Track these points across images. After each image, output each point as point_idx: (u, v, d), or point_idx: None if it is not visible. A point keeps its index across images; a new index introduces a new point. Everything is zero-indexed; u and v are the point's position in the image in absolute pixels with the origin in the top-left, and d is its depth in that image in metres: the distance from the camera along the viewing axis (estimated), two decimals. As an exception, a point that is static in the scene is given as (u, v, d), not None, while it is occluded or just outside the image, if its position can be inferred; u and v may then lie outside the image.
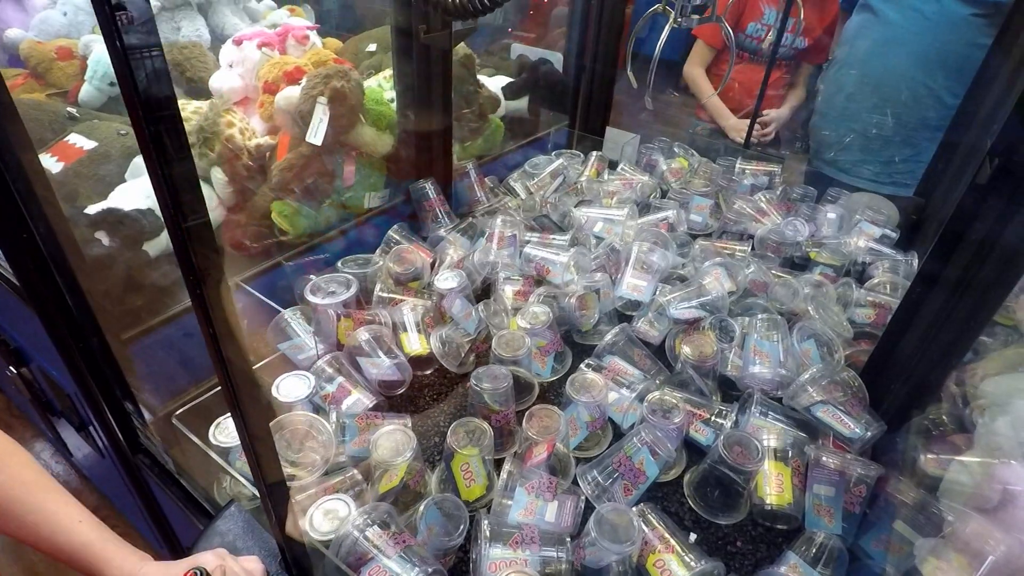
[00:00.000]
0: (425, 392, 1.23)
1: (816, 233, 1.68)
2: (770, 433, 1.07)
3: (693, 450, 1.12)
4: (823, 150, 2.17)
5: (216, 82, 1.48)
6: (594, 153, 1.93)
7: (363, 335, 1.18)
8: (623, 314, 1.43)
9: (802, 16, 2.07)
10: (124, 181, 1.35)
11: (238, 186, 1.39)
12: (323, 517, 0.91)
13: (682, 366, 1.20)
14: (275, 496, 0.74)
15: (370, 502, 0.96)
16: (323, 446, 1.01)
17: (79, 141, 1.35)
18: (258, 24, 1.86)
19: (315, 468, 0.98)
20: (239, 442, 0.85)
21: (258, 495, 0.84)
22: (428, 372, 1.27)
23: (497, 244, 1.46)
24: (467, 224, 1.58)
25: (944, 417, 1.06)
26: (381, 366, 1.17)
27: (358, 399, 1.13)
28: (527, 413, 1.06)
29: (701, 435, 1.11)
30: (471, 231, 1.58)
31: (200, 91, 1.56)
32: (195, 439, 1.00)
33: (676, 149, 2.03)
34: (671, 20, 0.87)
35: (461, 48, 1.66)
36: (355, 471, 1.00)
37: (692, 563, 0.88)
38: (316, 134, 1.35)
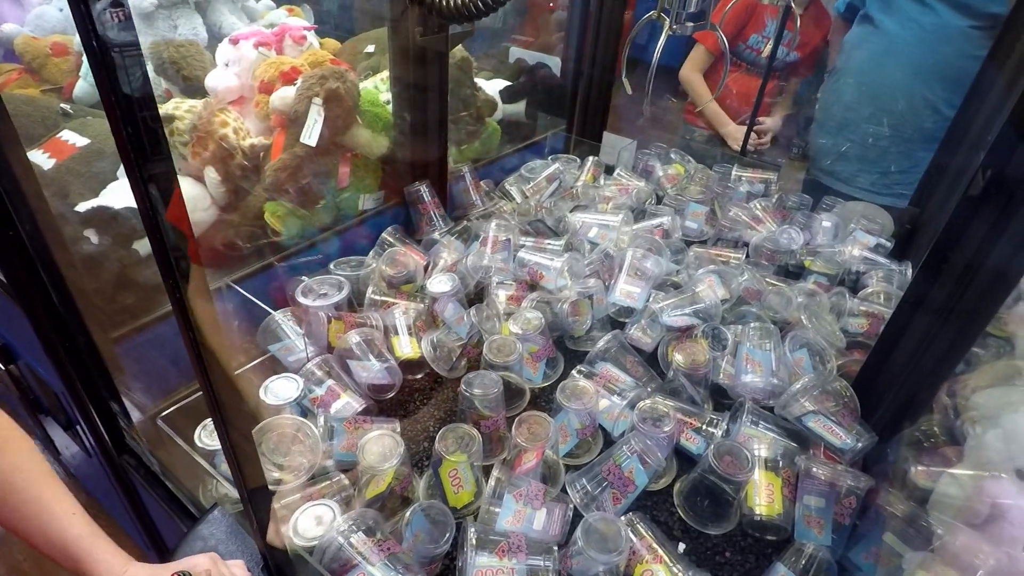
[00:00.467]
0: (415, 396, 1.22)
1: (811, 241, 1.68)
2: (761, 443, 1.06)
3: (684, 459, 1.11)
4: (821, 159, 2.17)
5: (212, 81, 1.48)
6: (591, 158, 1.92)
7: (354, 338, 1.17)
8: (616, 320, 1.43)
9: (798, 27, 2.08)
10: (116, 179, 1.34)
11: (231, 186, 1.38)
12: (308, 523, 0.90)
13: (674, 374, 1.20)
14: (257, 501, 0.73)
15: (357, 507, 0.95)
16: (310, 450, 1.00)
17: (72, 138, 1.34)
18: (256, 23, 1.85)
19: (301, 472, 0.97)
20: (224, 445, 0.84)
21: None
22: (419, 376, 1.27)
23: (491, 248, 1.45)
24: (462, 227, 1.58)
25: (936, 429, 1.06)
26: (371, 369, 1.17)
27: (347, 403, 1.12)
28: (517, 419, 1.06)
29: (692, 444, 1.11)
30: (466, 235, 1.57)
31: (196, 90, 1.55)
32: (180, 441, 0.99)
33: (673, 155, 2.03)
34: (666, 27, 0.86)
35: (458, 51, 1.66)
36: (342, 476, 1.00)
37: (680, 574, 0.87)
38: (311, 135, 1.34)
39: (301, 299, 1.23)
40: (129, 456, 1.21)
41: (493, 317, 1.32)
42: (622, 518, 0.93)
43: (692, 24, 0.87)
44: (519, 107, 2.02)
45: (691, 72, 2.29)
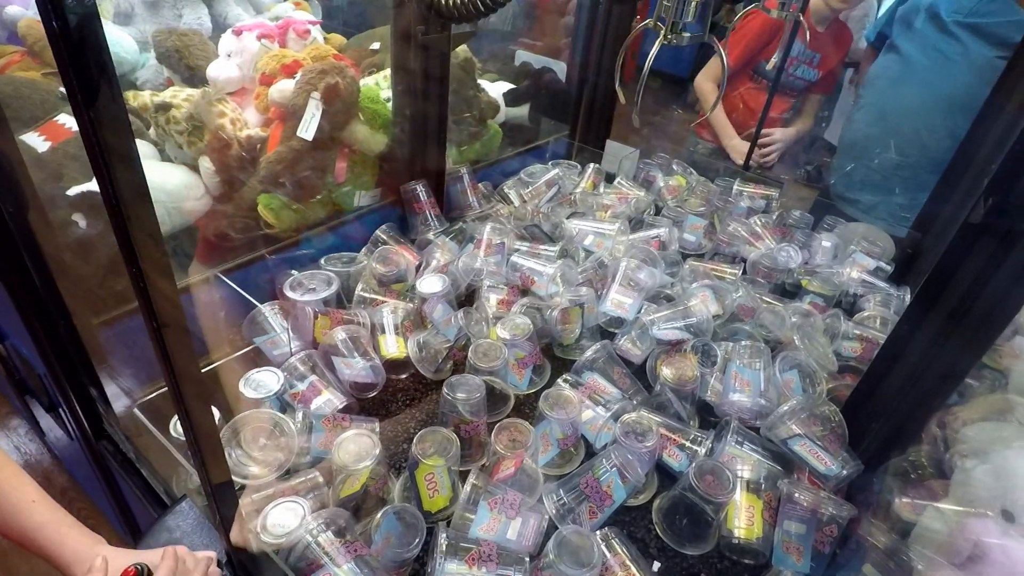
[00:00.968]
0: (398, 396, 1.21)
1: (809, 261, 1.65)
2: (744, 463, 1.04)
3: (665, 475, 1.09)
4: (838, 185, 2.14)
5: (213, 71, 1.47)
6: (591, 165, 1.91)
7: (340, 334, 1.16)
8: (606, 330, 1.41)
9: (807, 39, 2.05)
10: (112, 163, 1.34)
11: (226, 176, 1.37)
12: (277, 519, 0.89)
13: (661, 388, 1.18)
14: (222, 498, 0.72)
15: (330, 506, 0.94)
16: (285, 446, 0.98)
17: (68, 121, 1.34)
18: (262, 15, 1.85)
19: (275, 468, 0.95)
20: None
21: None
22: (403, 376, 1.25)
23: (484, 251, 1.44)
24: (457, 229, 1.57)
25: (923, 460, 1.04)
26: (355, 367, 1.15)
27: (328, 399, 1.11)
28: (498, 426, 1.04)
29: (675, 460, 1.09)
30: (460, 236, 1.56)
31: (199, 79, 1.54)
32: (154, 430, 0.98)
33: (675, 167, 2.01)
34: (660, 36, 0.85)
35: (462, 51, 1.65)
36: (316, 473, 0.98)
37: (651, 594, 0.85)
38: (307, 129, 1.34)
39: (289, 293, 1.22)
40: (107, 442, 1.20)
41: (482, 320, 1.31)
42: (597, 533, 0.91)
43: (689, 35, 0.85)
44: (522, 110, 2.01)
45: (705, 81, 2.27)
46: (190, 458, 0.98)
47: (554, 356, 1.34)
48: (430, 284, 1.32)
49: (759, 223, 1.70)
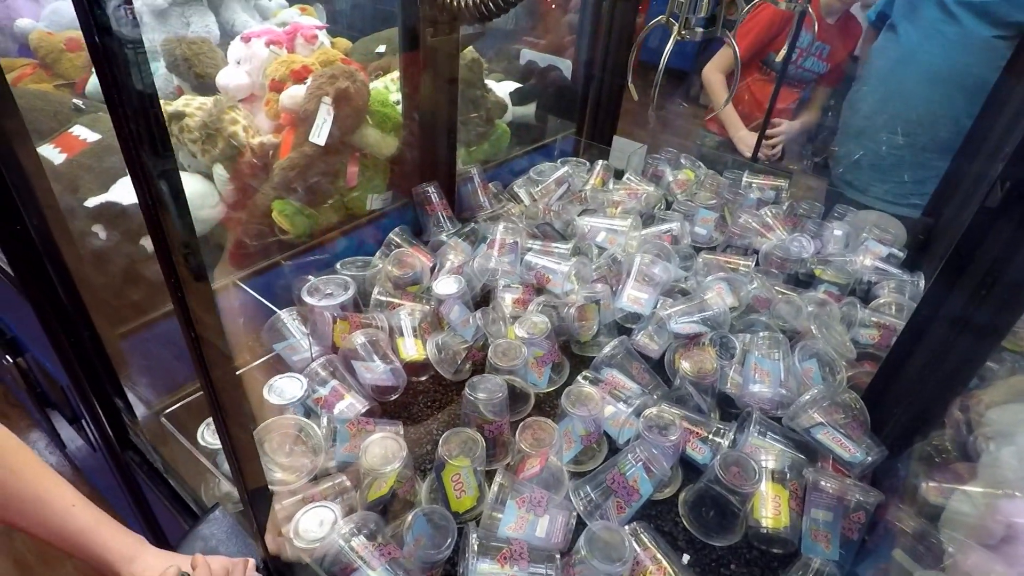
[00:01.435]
0: (419, 399, 1.22)
1: (822, 250, 1.66)
2: (768, 454, 1.04)
3: (689, 468, 1.10)
4: (838, 167, 2.15)
5: (223, 79, 1.48)
6: (600, 162, 1.91)
7: (359, 339, 1.17)
8: (623, 326, 1.41)
9: (815, 31, 2.06)
10: (126, 175, 1.35)
11: (240, 183, 1.38)
12: (309, 525, 0.89)
13: (681, 381, 1.18)
14: (257, 503, 0.72)
15: (358, 510, 0.95)
16: (312, 451, 0.99)
17: (83, 133, 1.34)
18: (268, 22, 1.86)
19: (303, 474, 0.96)
20: (226, 445, 0.84)
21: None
22: (423, 378, 1.26)
23: (498, 251, 1.44)
24: (469, 229, 1.57)
25: (947, 444, 1.04)
26: (376, 371, 1.16)
27: (351, 403, 1.12)
28: (521, 425, 1.05)
29: (698, 453, 1.09)
30: (473, 237, 1.56)
31: (208, 87, 1.55)
32: (182, 439, 0.98)
33: (683, 161, 2.01)
34: (675, 33, 0.85)
35: (469, 52, 1.65)
36: (344, 478, 0.99)
37: (684, 586, 0.86)
38: (320, 134, 1.34)
39: (307, 298, 1.23)
40: (133, 452, 1.21)
41: (499, 320, 1.31)
42: (626, 527, 0.92)
43: (702, 30, 0.85)
44: (529, 109, 2.02)
45: (713, 72, 2.26)
46: (219, 465, 0.99)
47: (572, 353, 1.34)
48: (446, 286, 1.32)
49: (770, 214, 1.70)
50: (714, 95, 2.27)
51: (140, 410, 1.23)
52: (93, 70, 1.63)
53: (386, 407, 1.18)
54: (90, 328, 1.08)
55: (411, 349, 1.24)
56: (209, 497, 1.05)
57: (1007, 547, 0.76)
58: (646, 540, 0.91)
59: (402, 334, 1.26)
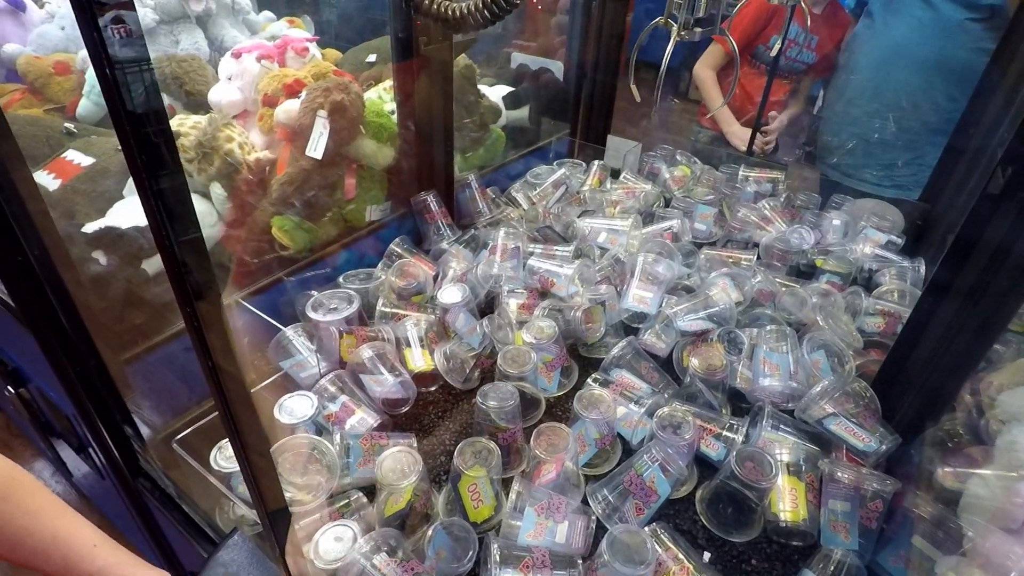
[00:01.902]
0: (430, 410, 1.21)
1: (821, 240, 1.66)
2: (783, 447, 1.05)
3: (704, 465, 1.10)
4: (827, 155, 2.17)
5: (215, 95, 1.47)
6: (596, 162, 1.91)
7: (366, 352, 1.16)
8: (629, 326, 1.41)
9: (808, 24, 2.07)
10: (123, 198, 1.33)
11: (238, 201, 1.37)
12: (328, 544, 0.89)
13: (691, 379, 1.18)
14: (278, 524, 0.72)
15: (376, 526, 0.94)
16: (327, 469, 0.98)
17: (76, 157, 1.33)
18: (257, 36, 1.85)
19: (319, 493, 0.95)
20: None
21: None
22: (433, 389, 1.25)
23: (500, 256, 1.44)
24: (469, 236, 1.57)
25: (959, 428, 1.04)
26: (385, 384, 1.15)
27: (362, 418, 1.11)
28: (535, 431, 1.04)
29: (712, 450, 1.09)
30: (474, 243, 1.56)
31: (199, 105, 1.54)
32: (195, 464, 0.97)
33: (679, 157, 2.02)
34: (674, 34, 0.85)
35: (462, 58, 1.65)
36: (360, 494, 0.98)
37: (708, 585, 0.86)
38: (316, 148, 1.33)
39: (311, 314, 1.22)
40: (144, 479, 1.19)
41: (505, 326, 1.31)
42: (646, 529, 0.92)
43: (700, 30, 0.86)
44: (522, 113, 2.01)
45: (704, 69, 2.26)
46: (233, 489, 0.98)
47: (579, 356, 1.34)
48: (450, 294, 1.32)
49: (768, 207, 1.71)
50: (706, 93, 2.28)
51: (146, 432, 1.22)
52: (83, 92, 1.62)
53: (397, 420, 1.18)
54: (94, 355, 1.07)
55: (419, 360, 1.24)
56: (224, 521, 1.04)
57: (1029, 531, 0.77)
58: (667, 540, 0.91)
59: (409, 345, 1.25)
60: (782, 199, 1.79)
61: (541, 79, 2.08)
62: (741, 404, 1.23)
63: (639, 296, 1.36)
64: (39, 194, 0.96)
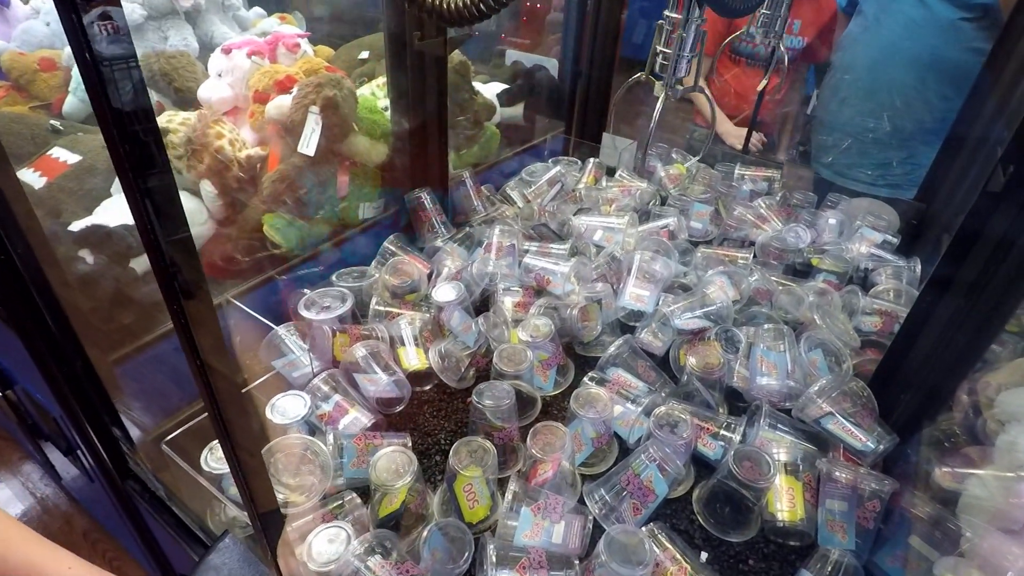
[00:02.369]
0: (425, 409, 1.20)
1: (817, 239, 1.66)
2: (780, 446, 1.04)
3: (701, 465, 1.09)
4: (821, 154, 2.17)
5: (205, 92, 1.45)
6: (591, 160, 1.90)
7: (360, 351, 1.15)
8: (625, 325, 1.40)
9: (787, 7, 2.05)
10: (110, 196, 1.31)
11: (228, 199, 1.35)
12: (321, 546, 0.87)
13: (688, 378, 1.17)
14: (269, 526, 0.70)
15: (370, 527, 0.92)
16: (320, 470, 0.97)
17: (63, 155, 1.31)
18: (248, 32, 1.82)
19: (312, 493, 0.94)
20: (232, 469, 0.81)
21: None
22: (427, 388, 1.24)
23: (495, 254, 1.43)
24: (464, 234, 1.55)
25: (956, 428, 1.04)
26: (379, 383, 1.14)
27: (356, 418, 1.10)
28: (531, 430, 1.03)
29: (709, 449, 1.09)
30: (468, 241, 1.54)
31: (188, 101, 1.52)
32: (185, 466, 0.96)
33: (674, 155, 2.01)
34: (661, 99, 0.87)
35: (456, 55, 1.63)
36: (354, 495, 0.97)
37: (706, 586, 0.85)
38: (308, 144, 1.32)
39: (304, 312, 1.20)
40: (133, 481, 1.17)
41: (501, 325, 1.30)
42: (644, 529, 0.91)
43: (682, 87, 0.88)
44: (517, 110, 2.00)
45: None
46: (224, 490, 0.97)
47: (575, 354, 1.33)
48: (445, 292, 1.30)
49: (764, 205, 1.70)
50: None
51: (136, 433, 1.20)
52: (69, 89, 1.60)
53: (391, 419, 1.16)
54: (82, 356, 1.05)
55: (413, 358, 1.22)
56: (215, 523, 1.02)
57: (1029, 530, 0.76)
58: (664, 541, 0.91)
59: (403, 344, 1.24)
60: (778, 198, 1.79)
61: (536, 76, 2.07)
62: (738, 403, 1.22)
63: (635, 294, 1.35)
64: (23, 193, 0.94)
